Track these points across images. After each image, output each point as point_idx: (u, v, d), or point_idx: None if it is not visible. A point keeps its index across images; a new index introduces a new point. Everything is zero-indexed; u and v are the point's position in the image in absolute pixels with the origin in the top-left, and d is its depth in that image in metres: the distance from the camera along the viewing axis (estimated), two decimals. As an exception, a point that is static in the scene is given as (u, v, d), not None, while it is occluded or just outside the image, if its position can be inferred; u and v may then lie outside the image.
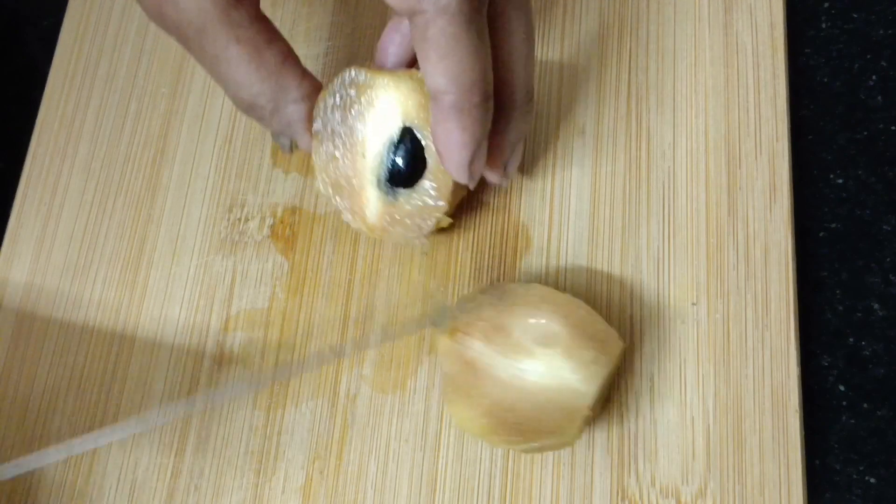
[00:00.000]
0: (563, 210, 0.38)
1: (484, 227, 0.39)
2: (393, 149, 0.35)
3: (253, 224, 0.40)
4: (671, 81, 0.39)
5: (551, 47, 0.41)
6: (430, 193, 0.35)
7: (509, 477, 0.35)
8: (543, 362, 0.33)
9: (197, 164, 0.42)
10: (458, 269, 0.38)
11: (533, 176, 0.39)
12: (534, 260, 0.38)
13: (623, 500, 0.34)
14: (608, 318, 0.36)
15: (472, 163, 0.32)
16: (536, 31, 0.41)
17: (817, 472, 0.35)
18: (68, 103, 0.44)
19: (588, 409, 0.32)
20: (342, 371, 0.37)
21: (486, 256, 0.38)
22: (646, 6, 0.41)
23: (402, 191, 0.35)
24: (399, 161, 0.35)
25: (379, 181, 0.35)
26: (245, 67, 0.32)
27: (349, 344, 0.35)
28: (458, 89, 0.30)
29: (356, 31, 0.43)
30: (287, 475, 0.36)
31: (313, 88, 0.34)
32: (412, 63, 0.36)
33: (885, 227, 0.38)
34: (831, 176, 0.39)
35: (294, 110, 0.34)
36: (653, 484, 0.34)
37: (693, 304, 0.36)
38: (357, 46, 0.42)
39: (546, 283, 0.36)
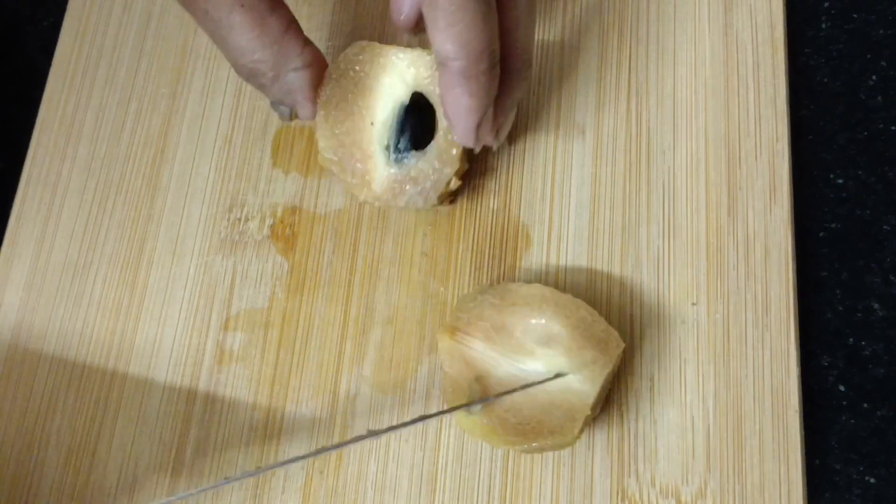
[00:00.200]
0: (563, 210, 0.38)
1: (484, 227, 0.39)
2: (402, 114, 0.36)
3: (253, 224, 0.40)
4: (671, 81, 0.39)
5: (551, 48, 0.41)
6: (441, 155, 0.35)
7: (509, 477, 0.35)
8: (544, 362, 0.33)
9: (197, 164, 0.42)
10: (458, 269, 0.38)
11: (533, 176, 0.39)
12: (534, 260, 0.38)
13: (623, 500, 0.34)
14: (608, 319, 0.36)
15: (479, 127, 0.33)
16: (537, 32, 0.41)
17: (817, 472, 0.35)
18: (68, 103, 0.44)
19: (588, 410, 0.32)
20: (342, 371, 0.37)
21: (486, 256, 0.38)
22: (646, 6, 0.41)
23: (411, 155, 0.36)
24: (408, 127, 0.36)
25: (388, 147, 0.36)
26: (248, 33, 0.33)
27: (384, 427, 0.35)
28: (466, 56, 0.31)
29: (356, 30, 0.43)
30: (287, 475, 0.36)
31: (315, 57, 0.35)
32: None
33: (885, 227, 0.38)
34: (831, 176, 0.39)
35: (295, 77, 0.34)
36: (653, 484, 0.34)
37: (693, 304, 0.36)
38: (357, 46, 0.42)
39: (546, 283, 0.36)
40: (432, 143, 0.36)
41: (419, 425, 0.36)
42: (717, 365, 0.35)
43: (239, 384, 0.38)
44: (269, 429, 0.37)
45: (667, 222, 0.37)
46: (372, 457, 0.36)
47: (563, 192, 0.39)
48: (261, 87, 0.35)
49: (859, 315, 0.37)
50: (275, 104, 0.36)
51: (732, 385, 0.35)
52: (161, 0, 0.45)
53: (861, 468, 0.35)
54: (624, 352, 0.34)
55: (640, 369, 0.36)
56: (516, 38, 0.34)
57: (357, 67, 0.37)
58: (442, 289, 0.38)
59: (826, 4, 0.42)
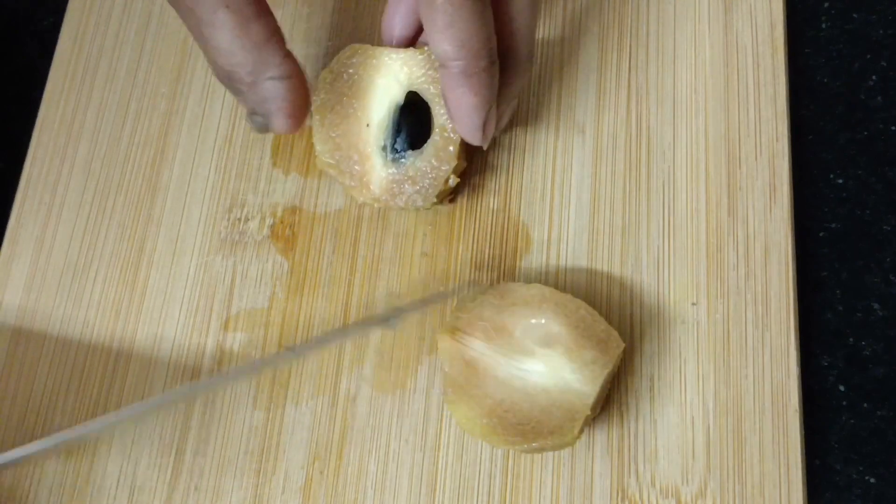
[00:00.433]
0: (563, 210, 0.38)
1: (484, 227, 0.39)
2: (398, 114, 0.36)
3: (253, 224, 0.40)
4: (671, 81, 0.39)
5: (551, 48, 0.41)
6: (438, 153, 0.35)
7: (509, 477, 0.35)
8: (544, 362, 0.33)
9: (197, 164, 0.42)
10: (458, 269, 0.38)
11: (533, 176, 0.39)
12: (534, 260, 0.38)
13: (623, 500, 0.34)
14: (608, 318, 0.36)
15: (485, 125, 0.33)
16: (537, 32, 0.41)
17: (817, 472, 0.35)
18: (68, 103, 0.44)
19: (588, 410, 0.32)
20: (342, 371, 0.37)
21: (486, 256, 0.38)
22: (646, 6, 0.41)
23: (408, 154, 0.36)
24: (405, 125, 0.36)
25: (385, 148, 0.36)
26: (229, 35, 0.32)
27: (302, 345, 0.35)
28: (466, 55, 0.31)
29: (356, 31, 0.43)
30: (287, 475, 0.36)
31: (294, 71, 0.34)
32: (417, 36, 0.37)
33: (885, 227, 0.38)
34: (831, 176, 0.39)
35: (272, 86, 0.34)
36: (653, 484, 0.34)
37: (693, 304, 0.36)
38: (357, 46, 0.42)
39: (546, 283, 0.36)
40: (429, 141, 0.36)
41: (419, 425, 0.36)
42: (717, 365, 0.35)
43: (239, 384, 0.38)
44: (269, 429, 0.37)
45: (667, 222, 0.37)
46: (372, 457, 0.36)
47: (563, 192, 0.39)
48: (237, 92, 0.34)
49: (859, 315, 0.37)
50: (250, 114, 0.36)
51: (732, 385, 0.35)
52: (161, 0, 0.45)
53: (861, 468, 0.35)
54: (624, 352, 0.34)
55: (640, 369, 0.36)
56: (518, 30, 0.34)
57: (350, 70, 0.37)
58: (442, 289, 0.38)
59: (826, 4, 0.42)
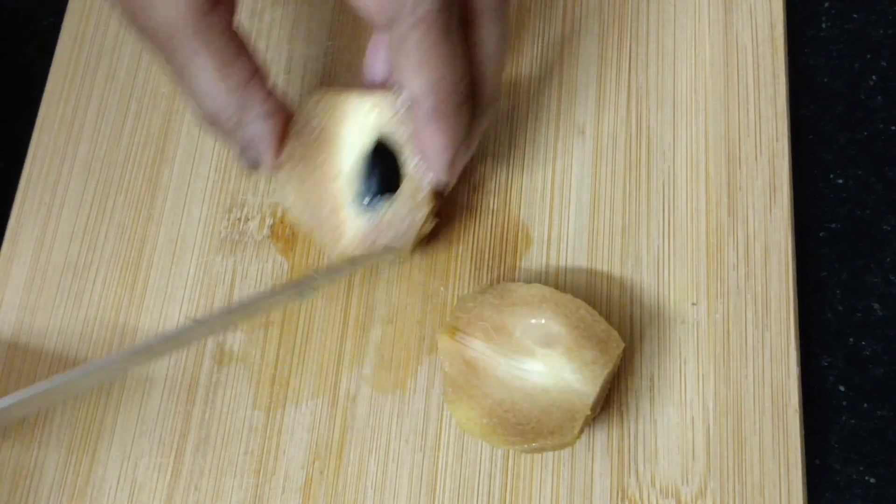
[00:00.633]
0: (563, 210, 0.38)
1: (484, 227, 0.39)
2: (368, 162, 0.35)
3: (253, 224, 0.40)
4: (671, 81, 0.39)
5: (551, 47, 0.41)
6: (413, 197, 0.35)
7: (509, 477, 0.35)
8: (544, 362, 0.33)
9: (197, 164, 0.42)
10: (458, 269, 0.38)
11: (533, 176, 0.39)
12: (534, 260, 0.38)
13: (623, 500, 0.34)
14: (608, 318, 0.36)
15: (452, 163, 0.33)
16: (535, 33, 0.41)
17: (817, 472, 0.35)
18: (68, 103, 0.44)
19: (588, 410, 0.32)
20: (342, 371, 0.37)
21: (486, 256, 0.38)
22: (646, 6, 0.41)
23: (381, 202, 0.35)
24: (374, 174, 0.35)
25: (356, 198, 0.35)
26: (211, 78, 0.32)
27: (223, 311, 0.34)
28: (437, 95, 0.31)
29: (356, 31, 0.43)
30: (287, 475, 0.36)
31: (279, 108, 0.34)
32: None
33: (885, 227, 0.38)
34: (831, 176, 0.39)
35: (258, 127, 0.33)
36: (653, 484, 0.34)
37: (693, 304, 0.36)
38: (357, 46, 0.42)
39: (546, 283, 0.36)
40: (402, 186, 0.35)
41: (419, 425, 0.36)
42: (717, 365, 0.35)
43: (239, 384, 0.38)
44: (269, 429, 0.37)
45: (667, 222, 0.37)
46: (372, 457, 0.36)
47: (563, 192, 0.39)
48: (224, 134, 0.34)
49: (859, 315, 0.37)
50: (239, 155, 0.35)
51: (732, 385, 0.35)
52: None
53: (861, 468, 0.35)
54: (624, 352, 0.34)
55: (640, 369, 0.36)
56: (484, 75, 0.33)
57: (316, 119, 0.36)
58: (442, 289, 0.38)
59: (826, 4, 0.42)
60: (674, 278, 0.37)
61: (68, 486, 0.37)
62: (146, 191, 0.42)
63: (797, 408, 0.34)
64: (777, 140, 0.38)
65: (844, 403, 0.36)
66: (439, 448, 0.36)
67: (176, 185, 0.41)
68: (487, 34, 0.33)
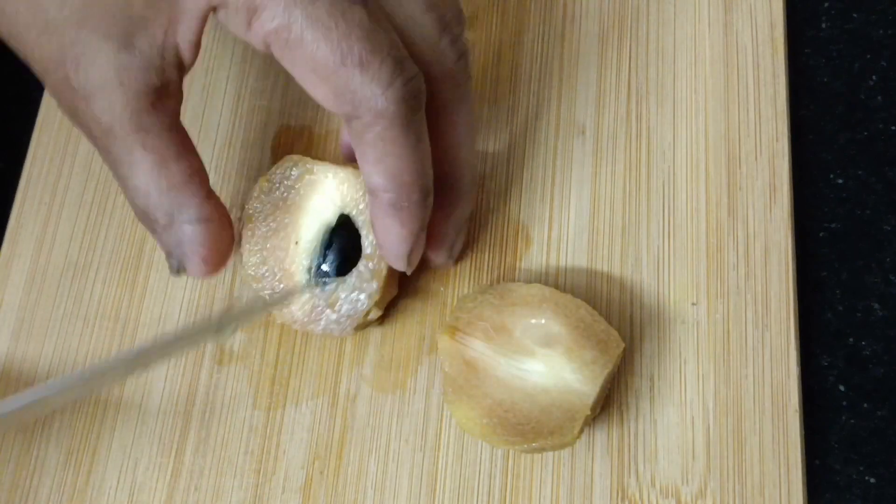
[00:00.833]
0: (563, 210, 0.38)
1: (484, 227, 0.39)
2: (327, 236, 0.35)
3: (253, 224, 0.40)
4: (671, 81, 0.39)
5: (551, 47, 0.41)
6: (366, 279, 0.35)
7: (509, 477, 0.35)
8: (544, 362, 0.33)
9: (197, 164, 0.42)
10: (458, 269, 0.38)
11: (533, 176, 0.39)
12: (534, 260, 0.38)
13: (623, 500, 0.34)
14: (608, 318, 0.36)
15: (410, 254, 0.33)
16: (535, 33, 0.41)
17: (817, 472, 0.35)
18: (68, 103, 0.44)
19: (588, 410, 0.32)
20: (342, 371, 0.37)
21: (486, 256, 0.38)
22: (646, 6, 0.41)
23: (332, 280, 0.35)
24: (333, 250, 0.35)
25: (310, 268, 0.35)
26: (146, 175, 0.31)
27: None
28: (396, 188, 0.31)
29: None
30: (287, 475, 0.36)
31: (215, 214, 0.32)
32: None
33: (885, 227, 0.38)
34: (831, 176, 0.39)
35: (189, 231, 0.32)
36: (653, 484, 0.34)
37: (693, 304, 0.36)
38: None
39: (546, 283, 0.36)
40: (353, 270, 0.35)
41: (419, 425, 0.36)
42: (717, 365, 0.35)
43: (239, 384, 0.38)
44: (269, 429, 0.37)
45: (667, 222, 0.37)
46: (372, 457, 0.36)
47: (563, 192, 0.39)
48: (152, 231, 0.33)
49: (859, 315, 0.37)
50: (167, 256, 0.34)
51: (732, 385, 0.35)
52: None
53: (861, 468, 0.35)
54: (624, 352, 0.34)
55: (640, 369, 0.36)
56: (459, 160, 0.33)
57: (287, 182, 0.36)
58: (442, 289, 0.38)
59: (826, 4, 0.42)
60: (674, 278, 0.37)
61: (68, 486, 0.37)
62: (146, 191, 0.42)
63: (797, 408, 0.34)
64: (777, 140, 0.38)
65: (844, 403, 0.36)
66: (439, 448, 0.36)
67: (176, 185, 0.41)
68: (457, 121, 0.33)
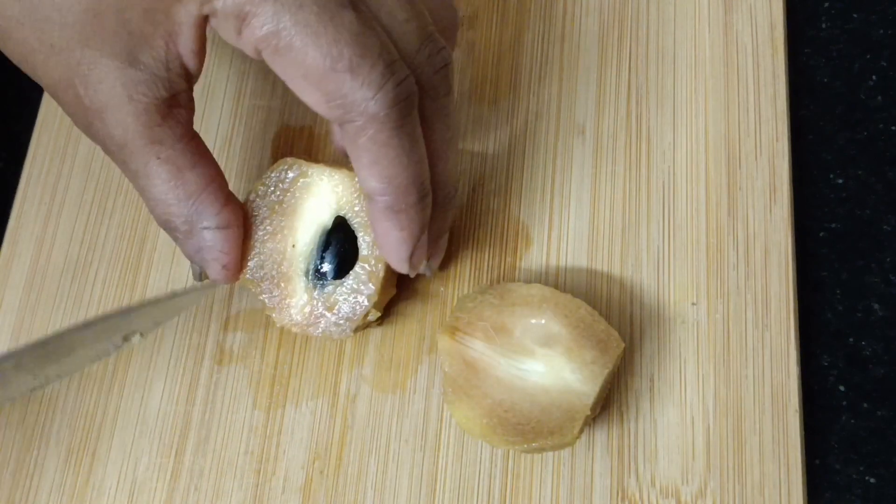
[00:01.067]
0: (563, 210, 0.38)
1: (484, 227, 0.39)
2: (324, 240, 0.35)
3: (253, 224, 0.40)
4: (671, 81, 0.39)
5: (551, 47, 0.41)
6: (363, 280, 0.35)
7: (509, 477, 0.35)
8: (544, 362, 0.33)
9: (197, 164, 0.42)
10: (458, 269, 0.38)
11: (533, 176, 0.39)
12: (534, 260, 0.38)
13: (623, 500, 0.34)
14: (608, 318, 0.36)
15: (411, 256, 0.33)
16: (535, 33, 0.41)
17: (817, 472, 0.35)
18: (68, 103, 0.44)
19: (588, 410, 0.32)
20: (342, 371, 0.37)
21: (486, 256, 0.38)
22: (646, 6, 0.41)
23: (329, 282, 0.35)
24: (330, 252, 0.35)
25: (308, 271, 0.35)
26: (163, 186, 0.32)
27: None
28: (392, 192, 0.31)
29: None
30: (287, 475, 0.36)
31: (233, 219, 0.33)
32: None
33: (885, 227, 0.38)
34: (831, 176, 0.39)
35: (208, 237, 0.33)
36: (653, 484, 0.34)
37: (693, 304, 0.36)
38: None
39: (546, 283, 0.36)
40: (351, 272, 0.35)
41: (419, 425, 0.36)
42: (717, 365, 0.35)
43: (239, 384, 0.38)
44: (269, 429, 0.37)
45: (667, 222, 0.37)
46: (372, 457, 0.36)
47: (563, 192, 0.39)
48: (175, 240, 0.34)
49: (859, 315, 0.37)
50: (189, 259, 0.35)
51: (732, 385, 0.35)
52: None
53: (861, 468, 0.35)
54: (624, 352, 0.34)
55: (640, 369, 0.36)
56: (437, 171, 0.33)
57: (282, 186, 0.35)
58: (442, 289, 0.38)
59: (826, 4, 0.42)
60: (674, 278, 0.37)
61: (68, 486, 0.37)
62: (146, 191, 0.42)
63: (797, 408, 0.34)
64: (777, 140, 0.38)
65: (844, 403, 0.36)
66: (439, 448, 0.36)
67: (176, 185, 0.41)
68: (433, 134, 0.32)
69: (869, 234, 0.38)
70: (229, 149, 0.42)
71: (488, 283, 0.38)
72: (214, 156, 0.42)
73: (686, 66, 0.40)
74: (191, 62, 0.31)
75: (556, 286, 0.36)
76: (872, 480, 0.35)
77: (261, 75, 0.43)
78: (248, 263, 0.36)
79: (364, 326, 0.36)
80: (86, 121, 0.31)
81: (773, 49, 0.39)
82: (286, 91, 0.42)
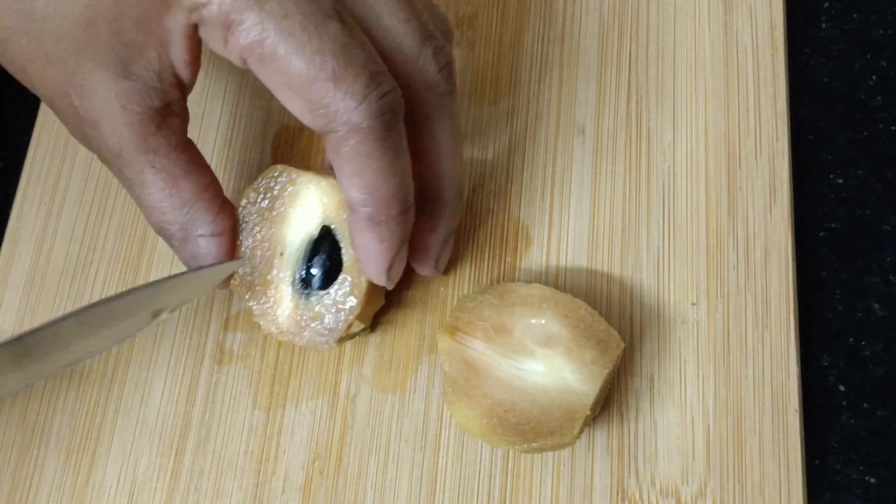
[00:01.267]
0: (563, 210, 0.38)
1: (484, 227, 0.39)
2: (311, 249, 0.35)
3: (253, 224, 0.40)
4: (671, 81, 0.39)
5: (551, 47, 0.41)
6: (345, 293, 0.34)
7: (509, 477, 0.35)
8: (544, 362, 0.33)
9: (197, 164, 0.42)
10: (458, 269, 0.38)
11: (533, 176, 0.39)
12: (534, 260, 0.38)
13: (623, 500, 0.34)
14: (608, 318, 0.36)
15: (390, 268, 0.33)
16: (535, 33, 0.41)
17: (817, 472, 0.35)
18: (68, 103, 0.44)
19: (588, 410, 0.32)
20: (342, 371, 0.37)
21: (486, 256, 0.38)
22: (646, 6, 0.41)
23: (315, 292, 0.35)
24: (316, 262, 0.35)
25: (294, 280, 0.35)
26: (158, 194, 0.32)
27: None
28: (373, 203, 0.31)
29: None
30: (287, 475, 0.36)
31: (226, 227, 0.34)
32: None
33: (885, 227, 0.38)
34: (831, 176, 0.39)
35: (203, 244, 0.33)
36: (653, 484, 0.34)
37: (693, 304, 0.36)
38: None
39: (546, 283, 0.36)
40: (335, 283, 0.35)
41: (419, 425, 0.36)
42: (717, 365, 0.35)
43: (239, 384, 0.38)
44: (269, 429, 0.37)
45: (667, 222, 0.37)
46: (372, 457, 0.36)
47: (563, 192, 0.39)
48: (171, 247, 0.34)
49: (859, 315, 0.37)
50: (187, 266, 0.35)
51: (732, 385, 0.35)
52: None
53: (861, 468, 0.35)
54: (624, 352, 0.34)
55: (640, 369, 0.36)
56: (443, 173, 0.33)
57: (271, 193, 0.35)
58: (442, 289, 0.38)
59: (826, 4, 0.42)
60: (674, 278, 0.37)
61: (68, 486, 0.37)
62: (146, 191, 0.42)
63: (797, 408, 0.34)
64: (777, 140, 0.38)
65: (844, 403, 0.36)
66: (439, 448, 0.36)
67: (176, 185, 0.41)
68: (439, 133, 0.33)
69: (869, 234, 0.38)
70: (229, 149, 0.42)
71: (488, 283, 0.38)
72: (214, 156, 0.42)
73: (686, 66, 0.40)
74: (184, 72, 0.31)
75: (556, 286, 0.36)
76: (872, 480, 0.35)
77: (261, 75, 0.43)
78: (238, 270, 0.36)
79: (350, 337, 0.36)
80: (81, 130, 0.32)
81: (773, 49, 0.39)
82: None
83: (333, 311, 0.34)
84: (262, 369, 0.38)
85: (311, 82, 0.29)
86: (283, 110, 0.42)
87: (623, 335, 0.35)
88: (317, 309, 0.35)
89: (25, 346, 0.32)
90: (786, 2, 0.40)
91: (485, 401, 0.33)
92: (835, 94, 0.40)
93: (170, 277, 0.33)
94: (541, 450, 0.33)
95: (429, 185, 0.34)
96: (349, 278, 0.34)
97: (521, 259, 0.38)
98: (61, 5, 0.30)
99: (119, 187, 0.42)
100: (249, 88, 0.43)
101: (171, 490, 0.37)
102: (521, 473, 0.35)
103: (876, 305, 0.37)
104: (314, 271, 0.35)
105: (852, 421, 0.36)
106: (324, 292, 0.35)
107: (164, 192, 0.32)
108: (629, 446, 0.35)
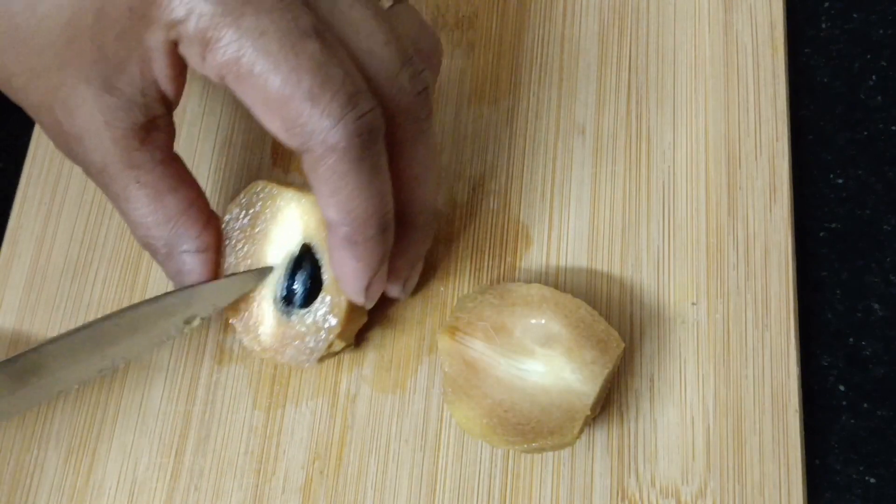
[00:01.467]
0: (563, 210, 0.38)
1: (484, 227, 0.39)
2: (291, 267, 0.35)
3: (253, 224, 0.40)
4: (671, 81, 0.39)
5: (551, 47, 0.41)
6: (325, 313, 0.34)
7: (509, 477, 0.35)
8: (544, 362, 0.33)
9: (197, 164, 0.42)
10: (458, 269, 0.38)
11: (533, 176, 0.39)
12: (534, 260, 0.38)
13: (623, 500, 0.34)
14: (608, 318, 0.36)
15: (368, 288, 0.33)
16: (535, 33, 0.41)
17: (817, 472, 0.35)
18: (68, 103, 0.44)
19: (588, 410, 0.32)
20: (342, 371, 0.37)
21: (486, 256, 0.38)
22: (646, 6, 0.41)
23: (296, 310, 0.35)
24: (297, 280, 0.35)
25: (276, 298, 0.35)
26: (143, 209, 0.32)
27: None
28: (351, 223, 0.31)
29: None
30: (287, 475, 0.36)
31: (211, 244, 0.34)
32: None
33: (885, 227, 0.38)
34: (831, 176, 0.39)
35: (188, 261, 0.33)
36: (653, 484, 0.34)
37: (693, 304, 0.36)
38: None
39: (546, 283, 0.36)
40: (316, 301, 0.34)
41: (419, 425, 0.36)
42: (717, 365, 0.35)
43: (239, 384, 0.38)
44: (269, 429, 0.37)
45: (667, 222, 0.37)
46: (372, 457, 0.36)
47: (563, 192, 0.39)
48: (157, 261, 0.34)
49: (859, 315, 0.37)
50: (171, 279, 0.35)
51: (732, 385, 0.35)
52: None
53: (861, 468, 0.35)
54: (624, 352, 0.34)
55: (640, 369, 0.36)
56: (417, 195, 0.33)
57: (252, 210, 0.35)
58: (442, 289, 0.38)
59: (826, 4, 0.42)
60: (674, 278, 0.37)
61: (68, 486, 0.37)
62: (146, 191, 0.41)
63: (797, 408, 0.34)
64: (777, 140, 0.38)
65: (844, 403, 0.36)
66: (439, 448, 0.36)
67: (176, 185, 0.41)
68: (414, 158, 0.32)
69: (869, 234, 0.38)
70: (229, 149, 0.42)
71: (488, 283, 0.38)
72: (215, 156, 0.42)
73: (686, 66, 0.40)
74: (168, 88, 0.31)
75: (556, 286, 0.36)
76: (872, 480, 0.35)
77: (261, 75, 0.43)
78: None
79: (332, 355, 0.36)
80: (66, 144, 0.32)
81: (773, 49, 0.39)
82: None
83: (314, 330, 0.34)
84: (261, 369, 0.38)
85: (287, 100, 0.28)
86: (283, 110, 0.42)
87: (623, 335, 0.35)
88: (298, 328, 0.34)
89: (70, 344, 0.32)
90: (786, 2, 0.40)
91: (485, 401, 0.33)
92: (835, 94, 0.40)
93: (203, 284, 0.33)
94: (541, 450, 0.33)
95: (401, 208, 0.33)
96: (329, 297, 0.34)
97: (521, 259, 0.38)
98: (44, 20, 0.29)
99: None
100: (249, 88, 0.43)
101: (171, 490, 0.37)
102: (521, 473, 0.35)
103: (876, 305, 0.37)
104: (296, 288, 0.35)
105: (852, 421, 0.36)
106: (305, 311, 0.34)
107: (149, 208, 0.32)
108: (629, 446, 0.35)
